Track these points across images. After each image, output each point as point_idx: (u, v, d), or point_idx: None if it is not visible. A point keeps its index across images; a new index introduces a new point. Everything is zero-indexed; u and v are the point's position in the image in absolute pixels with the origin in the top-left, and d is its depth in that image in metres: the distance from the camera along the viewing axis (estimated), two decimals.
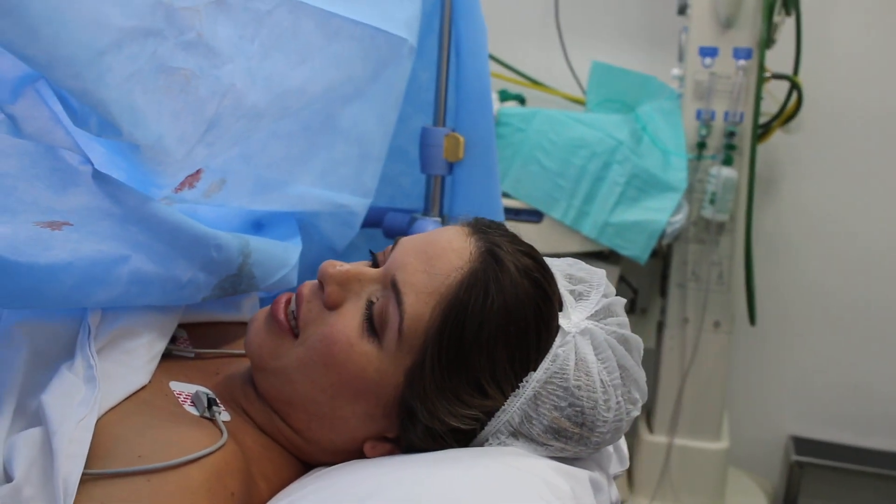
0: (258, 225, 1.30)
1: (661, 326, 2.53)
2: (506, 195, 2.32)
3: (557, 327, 0.92)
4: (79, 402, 0.85)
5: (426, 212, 1.53)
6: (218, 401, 0.94)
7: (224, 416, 0.94)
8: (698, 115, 2.36)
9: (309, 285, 0.95)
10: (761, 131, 2.50)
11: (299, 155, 1.16)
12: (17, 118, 0.74)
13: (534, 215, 2.34)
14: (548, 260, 1.00)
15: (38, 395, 0.86)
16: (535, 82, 2.79)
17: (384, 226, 1.55)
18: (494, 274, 0.88)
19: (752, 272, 2.43)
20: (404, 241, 0.95)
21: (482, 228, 0.94)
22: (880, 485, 2.76)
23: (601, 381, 0.89)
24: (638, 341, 0.97)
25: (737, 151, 2.35)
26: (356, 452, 0.93)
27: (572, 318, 0.93)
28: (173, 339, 1.05)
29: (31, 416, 0.87)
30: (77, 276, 0.92)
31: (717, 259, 2.42)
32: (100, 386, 0.87)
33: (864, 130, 2.69)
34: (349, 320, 0.90)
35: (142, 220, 0.90)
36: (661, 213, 2.25)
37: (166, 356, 1.02)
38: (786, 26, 2.41)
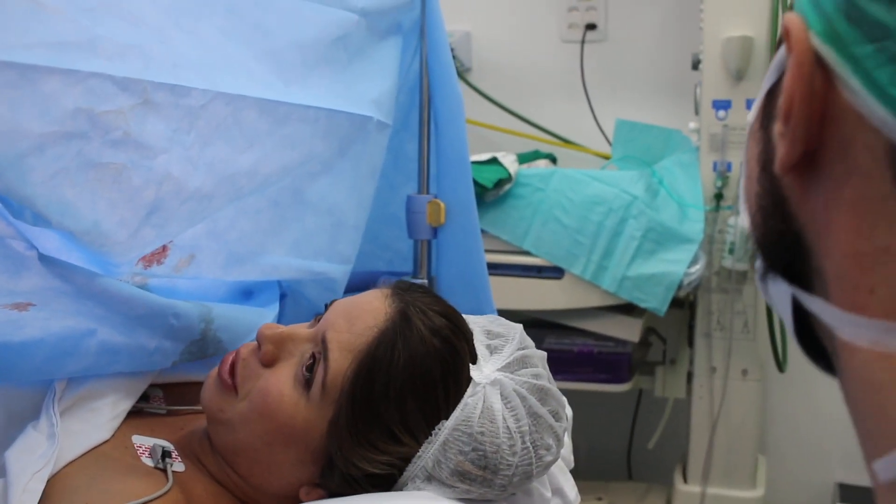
0: (247, 293, 1.42)
1: (690, 376, 2.56)
2: (527, 253, 2.41)
3: (468, 379, 1.00)
4: (38, 456, 0.97)
5: (415, 274, 1.63)
6: (174, 453, 1.05)
7: (178, 466, 1.04)
8: (714, 166, 2.41)
9: (248, 346, 1.06)
10: None
11: (270, 228, 1.27)
12: None
13: (555, 272, 2.41)
14: (471, 317, 1.09)
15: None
16: (564, 140, 2.88)
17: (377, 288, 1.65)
18: (403, 332, 0.98)
19: (775, 320, 2.45)
20: (337, 303, 1.05)
21: (399, 291, 1.04)
22: None
23: (507, 427, 0.97)
24: (556, 392, 1.04)
25: None
26: (295, 498, 1.03)
27: (484, 370, 1.01)
28: (146, 398, 1.17)
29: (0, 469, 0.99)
30: (48, 350, 1.04)
31: (741, 308, 2.45)
32: (59, 442, 0.99)
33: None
34: (282, 376, 1.00)
35: (94, 295, 1.01)
36: (678, 264, 2.29)
37: (138, 413, 1.13)
38: None
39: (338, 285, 1.46)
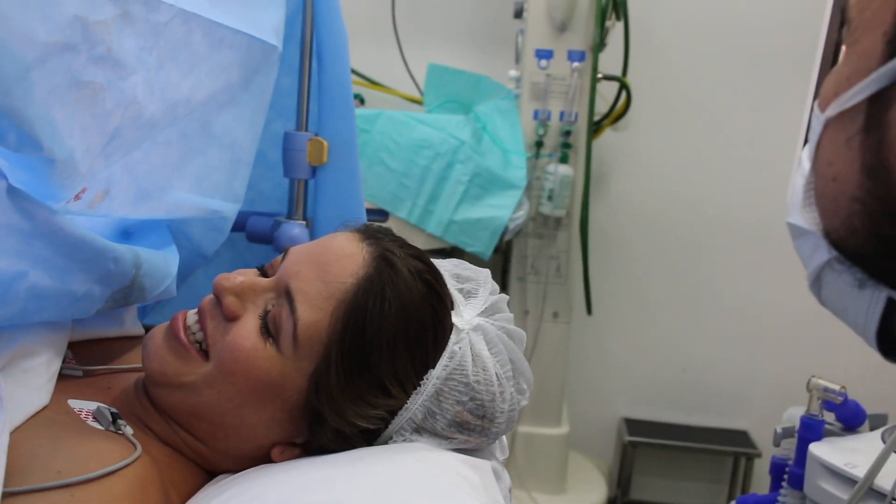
0: (126, 234, 1.29)
1: None
2: None
3: (451, 325, 0.96)
4: None
5: (290, 215, 1.54)
6: (120, 415, 0.94)
7: (128, 430, 0.93)
8: (535, 115, 2.47)
9: (208, 301, 0.96)
10: (593, 130, 2.63)
11: (176, 162, 1.16)
12: None
13: (380, 214, 2.38)
14: (435, 261, 1.04)
15: None
16: (373, 82, 2.83)
17: (247, 230, 1.55)
18: (389, 278, 0.92)
19: (588, 265, 2.56)
20: (295, 251, 0.97)
21: (373, 234, 0.97)
22: (706, 458, 2.97)
23: (496, 374, 0.95)
24: (522, 334, 1.03)
25: (572, 150, 2.46)
26: (262, 459, 0.95)
27: (464, 316, 0.98)
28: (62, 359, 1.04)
29: None
30: None
31: (554, 253, 2.53)
32: (6, 407, 0.85)
33: (687, 127, 2.87)
34: (249, 328, 0.91)
35: (48, 234, 0.88)
36: (504, 209, 2.34)
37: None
38: (615, 30, 2.55)
39: (227, 225, 1.36)
